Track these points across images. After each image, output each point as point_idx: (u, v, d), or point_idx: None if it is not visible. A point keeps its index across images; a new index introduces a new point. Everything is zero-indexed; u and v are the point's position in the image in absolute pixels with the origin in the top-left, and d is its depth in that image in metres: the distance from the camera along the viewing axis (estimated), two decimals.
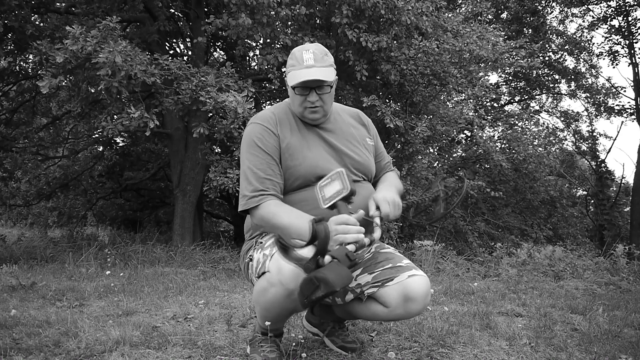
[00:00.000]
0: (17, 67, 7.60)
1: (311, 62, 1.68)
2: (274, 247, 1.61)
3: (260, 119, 1.80)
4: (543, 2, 12.36)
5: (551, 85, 12.99)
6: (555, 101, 14.01)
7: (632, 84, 12.71)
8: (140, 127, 4.79)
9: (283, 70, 7.06)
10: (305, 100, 1.73)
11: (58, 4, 6.31)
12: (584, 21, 16.63)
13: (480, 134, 9.31)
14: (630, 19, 12.32)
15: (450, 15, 6.80)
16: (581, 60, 13.06)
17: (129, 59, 4.48)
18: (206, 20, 5.46)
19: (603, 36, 14.56)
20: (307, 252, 1.47)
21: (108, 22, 4.56)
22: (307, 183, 1.73)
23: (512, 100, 13.82)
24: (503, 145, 9.47)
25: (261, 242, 1.73)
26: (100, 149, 9.71)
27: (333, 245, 1.47)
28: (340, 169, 1.56)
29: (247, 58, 8.38)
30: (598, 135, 13.90)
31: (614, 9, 12.43)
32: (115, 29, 4.61)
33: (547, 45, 12.13)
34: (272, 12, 5.41)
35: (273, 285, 1.56)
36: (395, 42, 5.90)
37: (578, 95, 13.28)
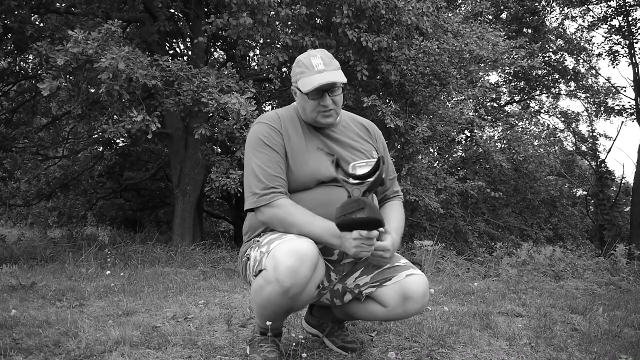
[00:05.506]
0: (17, 67, 7.60)
1: (322, 66, 1.70)
2: (272, 242, 1.61)
3: (265, 119, 1.80)
4: (543, 1, 12.35)
5: (551, 85, 12.99)
6: (554, 101, 14.01)
7: (632, 84, 12.70)
8: (141, 129, 4.79)
9: (284, 70, 7.08)
10: (318, 104, 1.73)
11: (58, 4, 6.30)
12: (584, 21, 16.64)
13: (480, 134, 9.31)
14: (630, 19, 12.31)
15: (450, 15, 6.80)
16: (580, 60, 13.06)
17: (131, 63, 4.47)
18: (206, 20, 5.46)
19: (603, 36, 14.58)
20: (365, 183, 1.51)
21: (110, 25, 4.55)
22: (306, 187, 1.73)
23: (512, 101, 13.82)
24: (503, 145, 9.47)
25: (258, 241, 1.73)
26: (100, 149, 9.71)
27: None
28: (379, 158, 1.56)
29: (247, 58, 8.39)
30: (598, 136, 13.91)
31: (614, 9, 12.42)
32: (116, 32, 4.61)
33: (547, 46, 12.13)
34: (273, 12, 5.41)
35: (269, 283, 1.56)
36: (395, 42, 5.90)
37: (578, 95, 13.28)
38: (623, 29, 12.40)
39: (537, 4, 12.18)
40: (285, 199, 1.68)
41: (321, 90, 1.70)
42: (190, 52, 7.54)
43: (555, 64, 12.38)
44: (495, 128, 11.86)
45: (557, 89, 13.37)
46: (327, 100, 1.72)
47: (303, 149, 1.76)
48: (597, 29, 12.93)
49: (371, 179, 1.51)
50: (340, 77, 1.70)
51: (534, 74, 11.52)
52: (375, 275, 1.76)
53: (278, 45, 5.84)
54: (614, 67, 15.80)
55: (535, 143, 10.20)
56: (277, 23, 5.68)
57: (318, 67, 1.70)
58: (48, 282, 3.60)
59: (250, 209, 1.72)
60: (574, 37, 12.94)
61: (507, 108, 13.65)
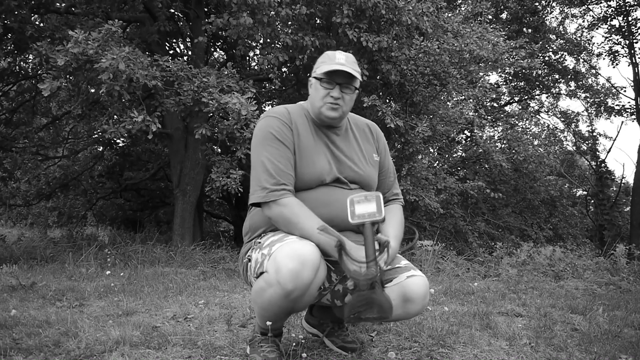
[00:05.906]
0: (17, 67, 7.60)
1: (343, 61, 1.75)
2: (274, 245, 1.61)
3: (275, 113, 1.80)
4: (543, 1, 12.35)
5: (551, 85, 12.99)
6: (554, 101, 14.01)
7: (632, 84, 12.70)
8: (142, 129, 4.79)
9: (284, 70, 7.08)
10: (327, 95, 1.75)
11: (58, 4, 6.30)
12: (584, 21, 16.63)
13: (480, 134, 9.31)
14: (630, 19, 12.31)
15: (450, 15, 6.80)
16: (581, 60, 13.06)
17: (132, 64, 4.47)
18: (207, 20, 5.46)
19: (603, 36, 14.56)
20: (372, 269, 1.48)
21: (110, 25, 4.55)
22: (308, 187, 1.74)
23: (512, 101, 13.82)
24: (503, 145, 9.47)
25: (259, 242, 1.73)
26: (100, 149, 9.71)
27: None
28: (378, 193, 1.57)
29: (247, 58, 8.39)
30: (598, 135, 13.90)
31: (614, 9, 12.42)
32: (116, 32, 4.60)
33: (547, 46, 12.12)
34: (273, 12, 5.41)
35: (271, 286, 1.56)
36: (395, 42, 5.90)
37: (578, 95, 13.28)
38: (623, 29, 12.39)
39: (537, 4, 12.17)
40: (293, 198, 1.68)
41: (333, 82, 1.74)
42: (190, 52, 7.54)
43: (555, 64, 12.38)
44: (495, 128, 11.86)
45: (557, 89, 13.37)
46: (337, 92, 1.74)
47: (311, 149, 1.77)
48: (597, 29, 12.94)
49: (377, 269, 1.48)
50: (356, 73, 1.74)
51: (534, 74, 11.52)
52: None
53: (278, 45, 5.84)
54: (614, 67, 15.81)
55: (535, 143, 10.20)
56: (277, 23, 5.68)
57: (339, 61, 1.75)
58: (48, 282, 3.60)
59: (256, 203, 1.71)
60: (574, 37, 12.94)
61: (507, 108, 13.65)
